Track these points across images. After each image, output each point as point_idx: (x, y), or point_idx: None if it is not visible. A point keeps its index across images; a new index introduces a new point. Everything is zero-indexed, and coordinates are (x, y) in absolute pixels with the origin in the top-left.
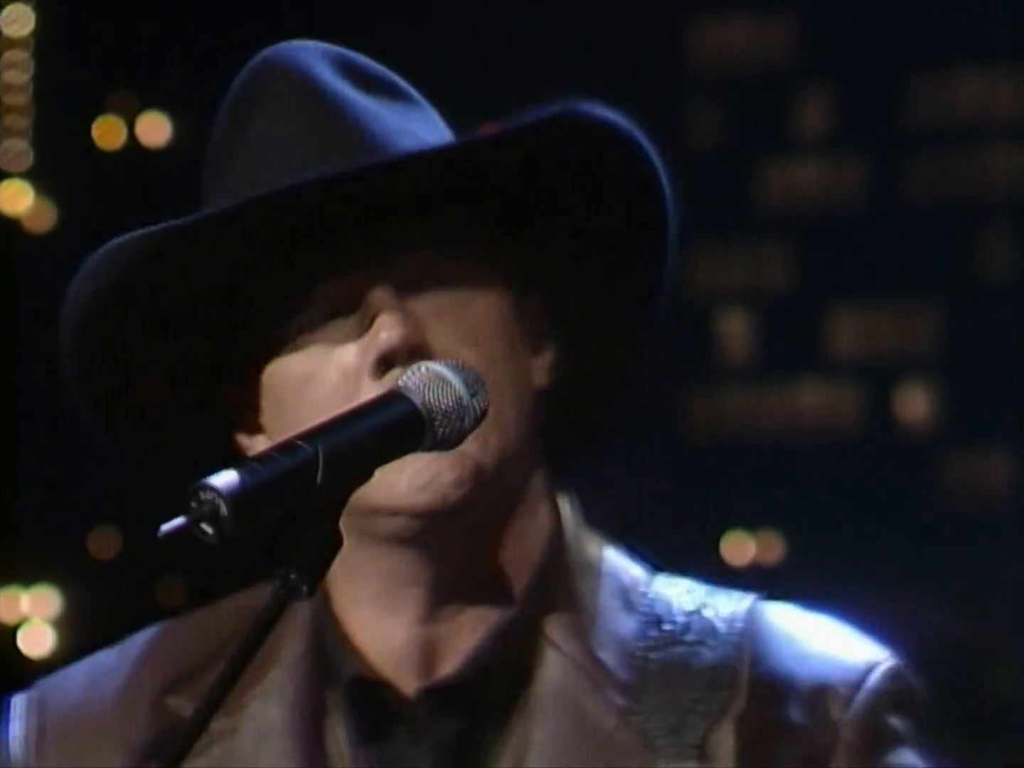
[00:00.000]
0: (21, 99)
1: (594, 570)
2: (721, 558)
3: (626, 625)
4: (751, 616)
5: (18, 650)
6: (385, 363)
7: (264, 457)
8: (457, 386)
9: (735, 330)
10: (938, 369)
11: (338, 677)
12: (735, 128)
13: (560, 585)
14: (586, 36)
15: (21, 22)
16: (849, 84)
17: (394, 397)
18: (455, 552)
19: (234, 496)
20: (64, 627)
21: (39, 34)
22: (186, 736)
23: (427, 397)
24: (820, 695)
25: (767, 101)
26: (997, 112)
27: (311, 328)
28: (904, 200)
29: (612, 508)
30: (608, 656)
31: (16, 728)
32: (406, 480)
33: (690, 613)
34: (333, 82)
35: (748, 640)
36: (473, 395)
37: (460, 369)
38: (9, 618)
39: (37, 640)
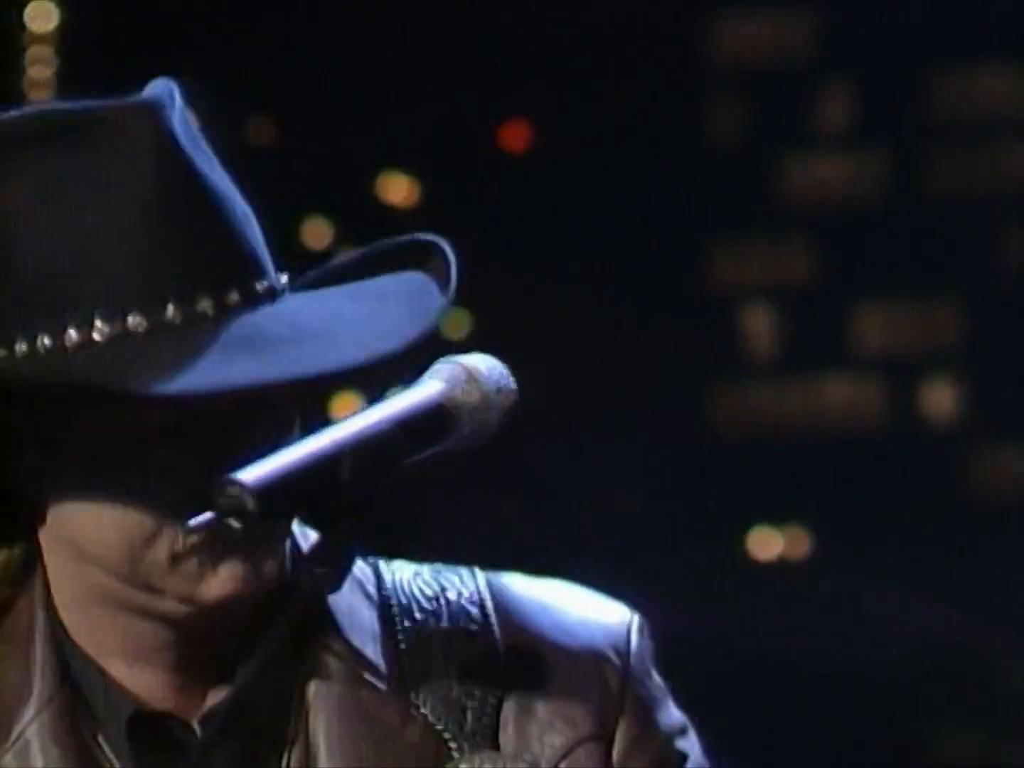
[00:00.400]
0: (45, 95)
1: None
2: (747, 553)
3: (375, 620)
4: (492, 591)
5: None
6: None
7: (290, 451)
8: (485, 382)
9: (758, 326)
10: (963, 364)
11: (107, 713)
12: (756, 123)
13: (307, 584)
14: (606, 31)
15: (45, 18)
16: (870, 79)
17: (422, 392)
18: (218, 621)
19: (260, 490)
20: None
21: (63, 30)
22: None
23: (455, 393)
24: (593, 664)
25: (788, 96)
26: (1019, 106)
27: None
28: (926, 195)
29: (638, 504)
30: (373, 653)
31: None
32: (216, 586)
33: (432, 599)
34: (189, 158)
35: (502, 618)
36: (499, 391)
37: (489, 365)
38: None
39: None
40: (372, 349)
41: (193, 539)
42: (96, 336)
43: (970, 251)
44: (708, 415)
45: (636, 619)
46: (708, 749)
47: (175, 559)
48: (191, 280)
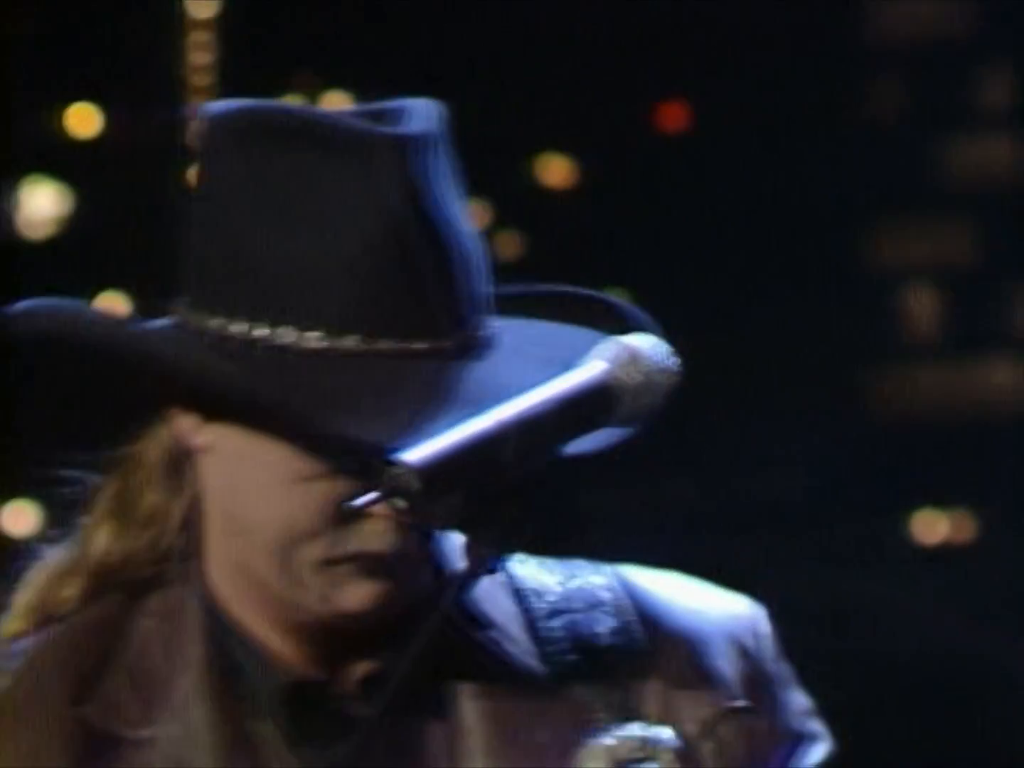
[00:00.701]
0: (206, 80)
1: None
2: (912, 537)
3: (508, 600)
4: (622, 578)
5: None
6: (384, 520)
7: (455, 432)
8: (648, 362)
9: (921, 307)
10: None
11: (262, 682)
12: (917, 101)
13: (449, 565)
14: (763, 9)
15: (206, 3)
16: None
17: (584, 372)
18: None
19: (424, 472)
20: None
21: (223, 15)
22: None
23: (618, 373)
24: (730, 644)
25: (950, 74)
26: None
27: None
28: None
29: (802, 489)
30: (515, 633)
31: None
32: (333, 601)
33: (563, 584)
34: (432, 195)
35: (636, 600)
36: (662, 372)
37: (652, 344)
38: None
39: None
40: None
41: (347, 547)
42: (309, 344)
43: None
44: (871, 397)
45: (760, 608)
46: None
47: (326, 562)
48: (405, 318)
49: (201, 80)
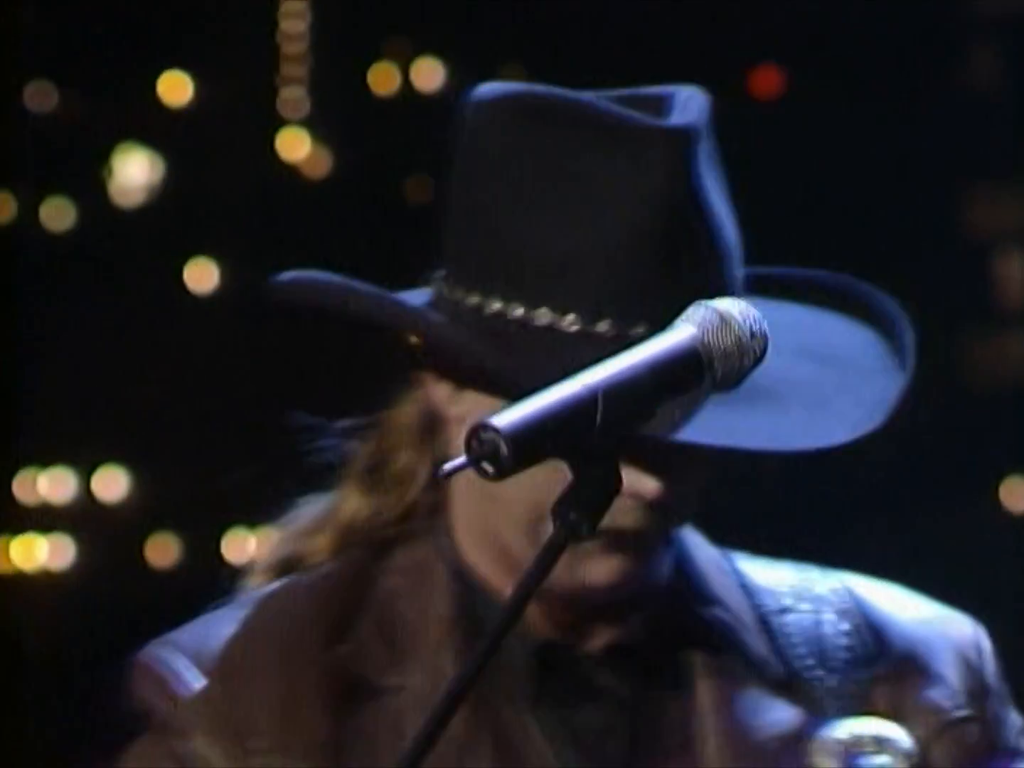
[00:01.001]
0: (299, 48)
1: (697, 540)
2: (999, 504)
3: (739, 593)
4: (846, 586)
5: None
6: (633, 496)
7: (544, 397)
8: (738, 327)
9: (1013, 272)
10: None
11: (510, 641)
12: (1014, 65)
13: (688, 551)
14: None
15: None
16: None
17: (674, 336)
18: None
19: (513, 436)
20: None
21: None
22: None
23: (707, 337)
24: (956, 655)
25: None
26: None
27: None
28: None
29: (888, 457)
30: (747, 619)
31: (181, 679)
32: (579, 575)
33: (791, 585)
34: (703, 187)
35: (864, 604)
36: (753, 336)
37: (742, 309)
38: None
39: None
40: (827, 438)
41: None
42: (564, 327)
43: None
44: (961, 364)
45: (978, 625)
46: None
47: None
48: (660, 307)
49: (293, 48)
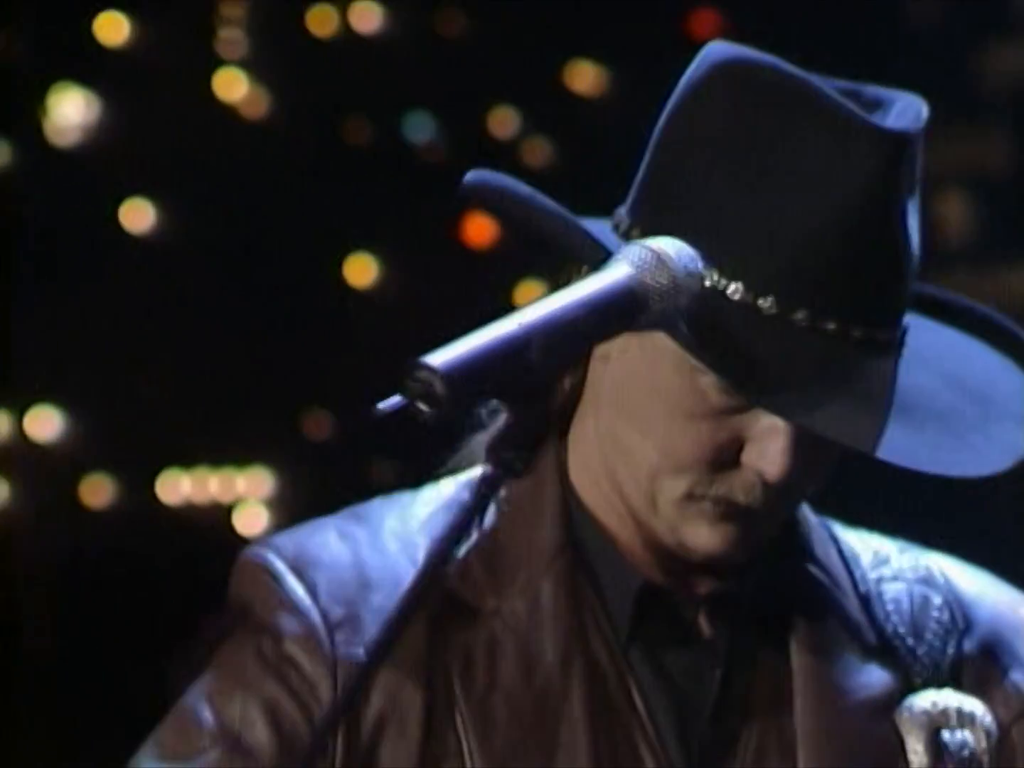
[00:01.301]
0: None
1: (802, 507)
2: None
3: (838, 560)
4: (938, 561)
5: (234, 530)
6: (754, 475)
7: (479, 335)
8: (673, 265)
9: (955, 213)
10: None
11: (613, 579)
12: (954, 6)
13: (792, 519)
14: None
15: None
16: None
17: (610, 275)
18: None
19: (449, 374)
20: (278, 508)
21: None
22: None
23: (643, 275)
24: None
25: None
26: None
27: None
28: None
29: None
30: (846, 587)
31: (294, 584)
32: (691, 540)
33: (887, 556)
34: (901, 194)
35: (953, 583)
36: (688, 274)
37: (677, 248)
38: (225, 498)
39: (252, 520)
40: (987, 465)
41: (712, 490)
42: (762, 304)
43: None
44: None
45: None
46: None
47: (688, 497)
48: (847, 303)
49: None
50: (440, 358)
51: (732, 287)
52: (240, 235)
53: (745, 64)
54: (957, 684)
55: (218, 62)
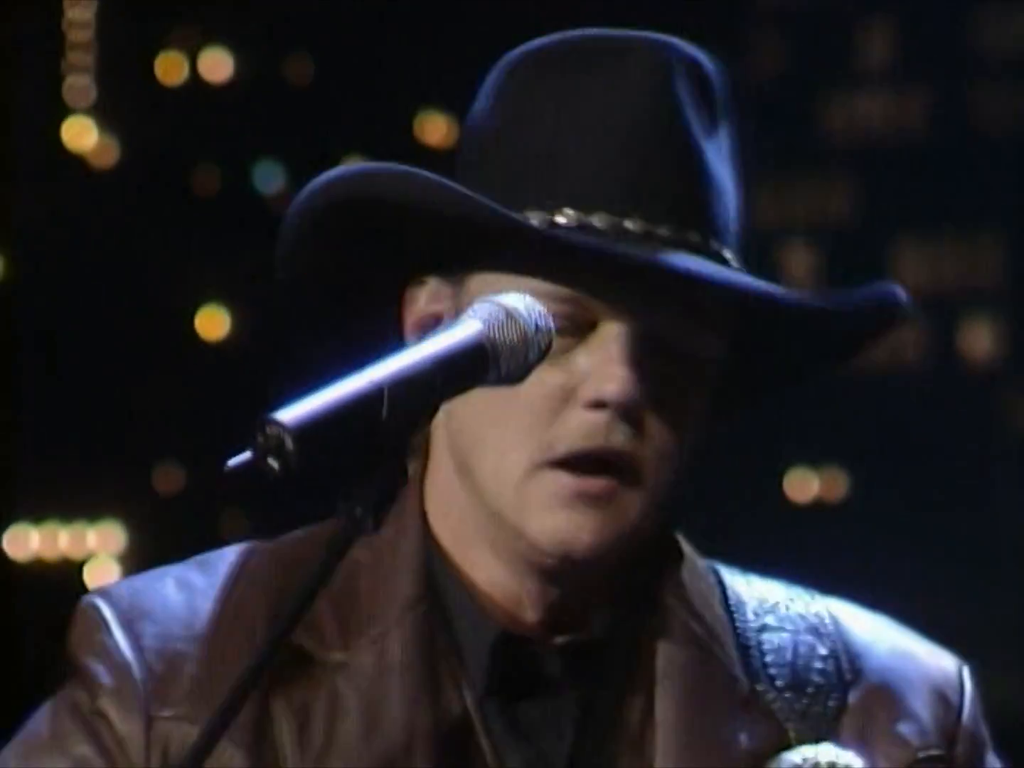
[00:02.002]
0: (84, 35)
1: (682, 549)
2: (784, 495)
3: (719, 607)
4: (831, 607)
5: (84, 585)
6: (599, 406)
7: (330, 392)
8: (523, 321)
9: (799, 262)
10: (1004, 303)
11: (470, 627)
12: (799, 59)
13: (670, 555)
14: None
15: None
16: (912, 14)
17: (460, 332)
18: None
19: (299, 430)
20: (129, 562)
21: None
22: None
23: (493, 332)
24: (932, 692)
25: (831, 31)
26: None
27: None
28: (969, 131)
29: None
30: (723, 634)
31: (118, 635)
32: (551, 527)
33: (775, 604)
34: (681, 104)
35: (843, 631)
36: (537, 330)
37: (527, 303)
38: (76, 554)
39: (103, 575)
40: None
41: (560, 446)
42: (564, 221)
43: (1012, 189)
44: None
45: (966, 666)
46: None
47: (536, 469)
48: (636, 202)
49: (79, 35)
50: (290, 414)
51: (559, 215)
52: (89, 285)
53: (521, 49)
54: (837, 737)
55: (67, 110)
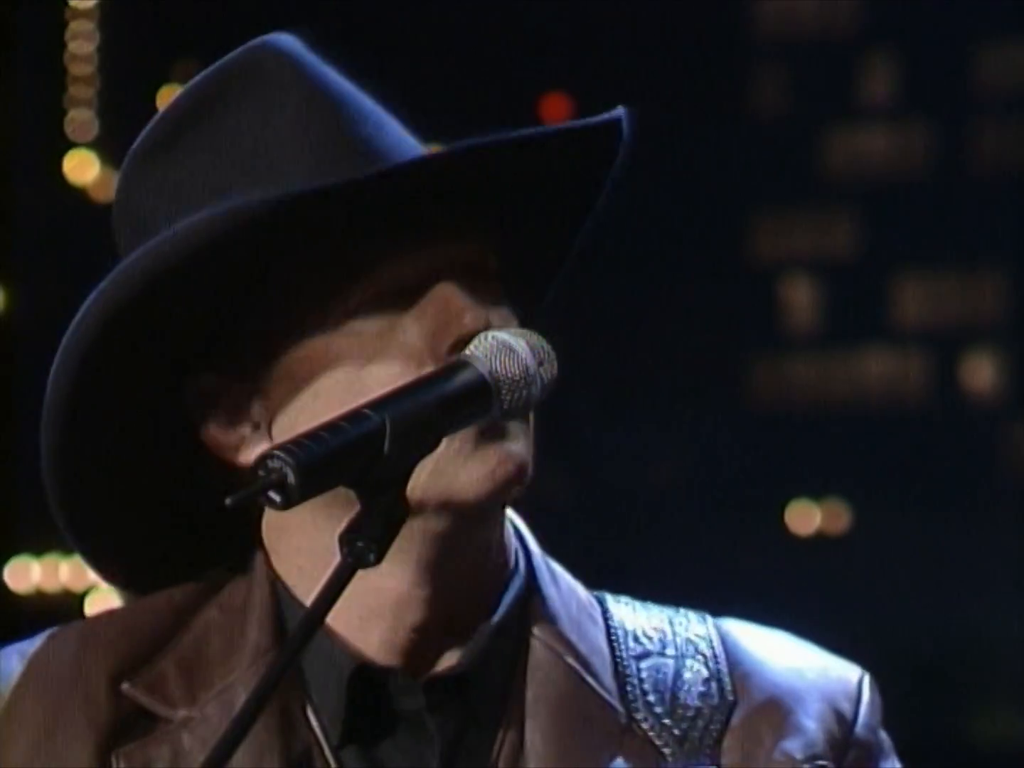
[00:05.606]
0: (87, 69)
1: (559, 582)
2: (786, 527)
3: (599, 636)
4: (721, 631)
5: (85, 617)
6: (462, 346)
7: (331, 426)
8: (524, 355)
9: (800, 298)
10: (1004, 337)
11: (325, 669)
12: (800, 95)
13: (538, 586)
14: (649, 3)
15: None
16: (914, 51)
17: (461, 366)
18: (460, 559)
19: (301, 465)
20: (130, 594)
21: (104, 4)
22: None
23: (494, 366)
24: (824, 705)
25: (832, 68)
26: None
27: (358, 313)
28: (970, 167)
29: (676, 477)
30: (598, 664)
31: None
32: (463, 473)
33: (659, 629)
34: (339, 83)
35: (730, 652)
36: (540, 364)
37: (527, 337)
38: (77, 586)
39: (104, 607)
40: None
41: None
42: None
43: (1012, 224)
44: (748, 387)
45: (866, 675)
46: None
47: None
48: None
49: (81, 69)
50: (292, 448)
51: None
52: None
53: (256, 47)
54: (717, 760)
55: (69, 144)
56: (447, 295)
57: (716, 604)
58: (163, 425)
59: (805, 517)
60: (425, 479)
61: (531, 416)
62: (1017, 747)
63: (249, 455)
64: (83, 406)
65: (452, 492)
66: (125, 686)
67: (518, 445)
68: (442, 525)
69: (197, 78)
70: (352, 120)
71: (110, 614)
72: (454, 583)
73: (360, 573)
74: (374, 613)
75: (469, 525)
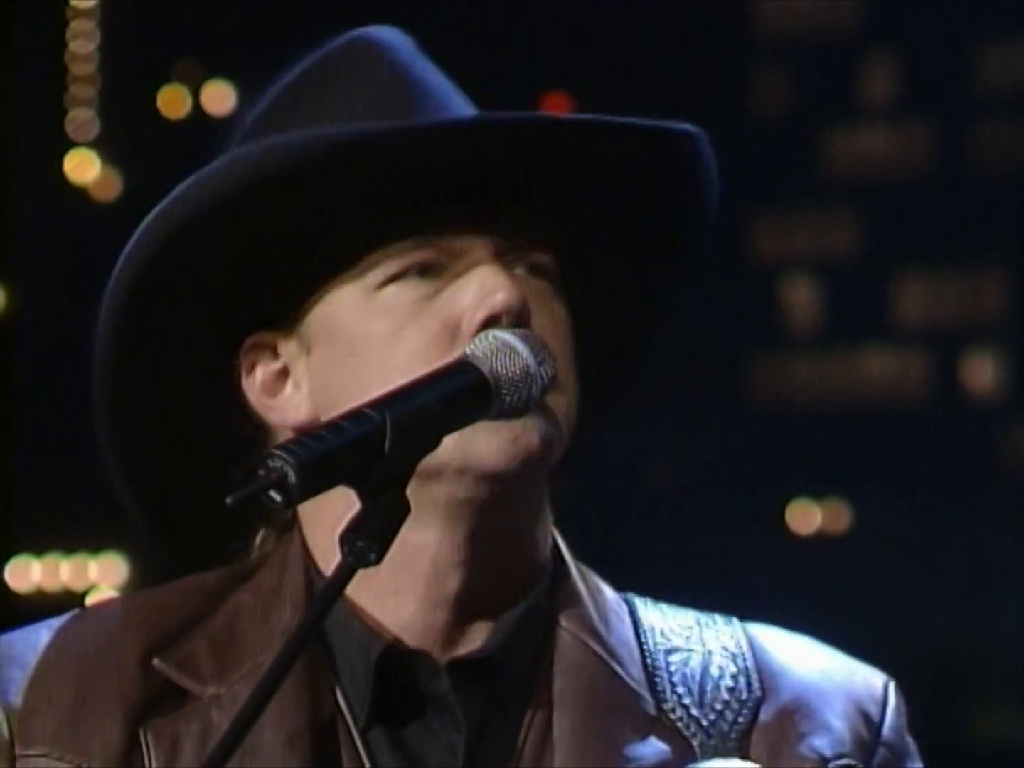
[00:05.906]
0: (87, 69)
1: (586, 576)
2: (786, 527)
3: (627, 631)
4: (748, 631)
5: None
6: (493, 323)
7: (332, 425)
8: (524, 354)
9: (801, 297)
10: (1005, 337)
11: (353, 649)
12: (801, 95)
13: (567, 581)
14: (649, 2)
15: None
16: (915, 51)
17: (461, 365)
18: (490, 533)
19: (302, 463)
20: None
21: (105, 4)
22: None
23: (494, 365)
24: (851, 706)
25: (833, 68)
26: None
27: (396, 282)
28: (971, 166)
29: (677, 477)
30: (627, 655)
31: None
32: (483, 440)
33: (687, 627)
34: (422, 69)
35: (758, 652)
36: (540, 363)
37: (527, 337)
38: (77, 585)
39: None
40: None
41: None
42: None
43: (1013, 224)
44: (749, 387)
45: (892, 681)
46: None
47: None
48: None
49: (82, 68)
50: (293, 447)
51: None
52: (91, 317)
53: (353, 39)
54: (745, 753)
55: (70, 143)
56: (488, 273)
57: (716, 604)
58: (209, 378)
59: (805, 517)
60: (451, 446)
61: (570, 396)
62: (1017, 747)
63: (285, 416)
64: (138, 320)
65: (474, 457)
66: (156, 662)
67: (542, 424)
68: (466, 491)
69: (302, 65)
70: (425, 100)
71: (143, 595)
72: (486, 557)
73: (398, 542)
74: (406, 587)
75: (494, 494)
